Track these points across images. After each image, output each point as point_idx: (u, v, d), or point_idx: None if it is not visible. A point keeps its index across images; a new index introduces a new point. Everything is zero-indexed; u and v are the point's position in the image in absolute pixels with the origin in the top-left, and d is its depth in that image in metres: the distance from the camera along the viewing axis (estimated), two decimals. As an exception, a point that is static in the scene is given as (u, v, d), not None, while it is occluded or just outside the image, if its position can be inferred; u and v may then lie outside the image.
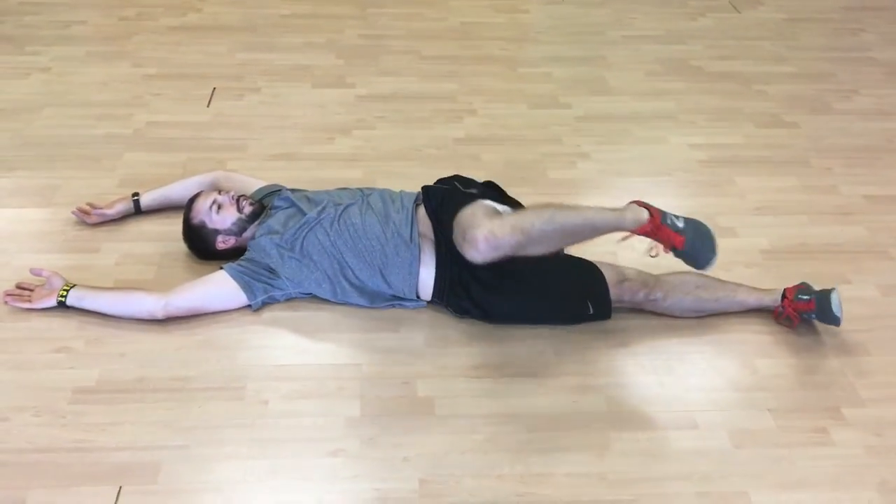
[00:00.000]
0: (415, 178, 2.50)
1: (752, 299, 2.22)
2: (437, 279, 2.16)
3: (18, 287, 2.19)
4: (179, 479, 1.74)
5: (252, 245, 2.25)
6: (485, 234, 1.83)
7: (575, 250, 2.18)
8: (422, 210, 2.22)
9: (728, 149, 3.07)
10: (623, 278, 2.16)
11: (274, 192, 2.43)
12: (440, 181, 2.33)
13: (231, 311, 2.17)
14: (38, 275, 2.19)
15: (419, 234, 2.18)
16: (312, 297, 2.22)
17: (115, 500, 1.69)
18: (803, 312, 2.15)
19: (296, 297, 2.21)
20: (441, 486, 1.75)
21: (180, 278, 2.23)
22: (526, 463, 1.81)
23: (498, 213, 1.96)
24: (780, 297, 2.19)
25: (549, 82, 3.54)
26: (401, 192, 2.33)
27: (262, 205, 2.36)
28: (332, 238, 2.17)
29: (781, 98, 3.46)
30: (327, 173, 2.78)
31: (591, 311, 2.15)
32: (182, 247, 2.36)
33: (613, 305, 2.16)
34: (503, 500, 1.73)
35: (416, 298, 2.19)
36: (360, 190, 2.35)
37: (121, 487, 1.72)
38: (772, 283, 2.29)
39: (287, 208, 2.29)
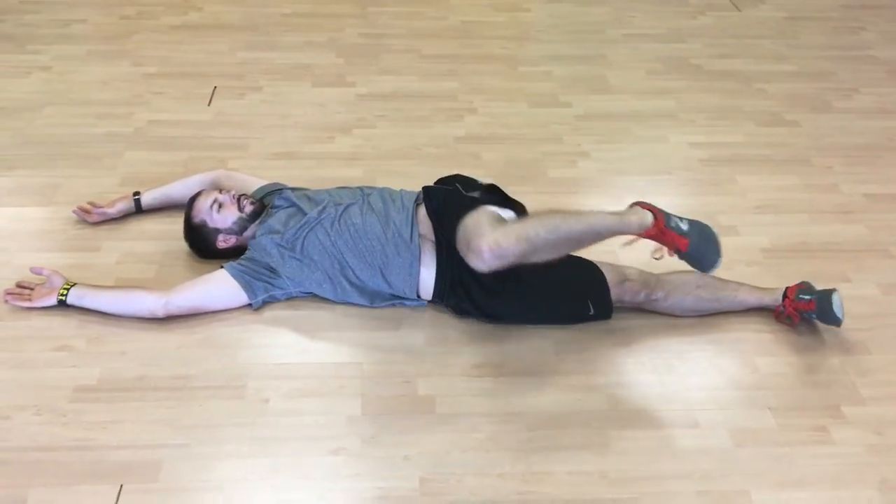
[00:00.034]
0: (415, 177, 2.50)
1: (752, 299, 2.22)
2: (438, 279, 2.16)
3: (19, 286, 2.20)
4: (180, 478, 1.74)
5: (253, 244, 2.25)
6: (489, 244, 1.83)
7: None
8: (422, 210, 2.22)
9: (728, 147, 3.07)
10: (624, 279, 2.16)
11: (275, 190, 2.43)
12: (441, 181, 2.33)
13: (232, 309, 2.17)
14: (39, 273, 2.19)
15: (419, 235, 2.18)
16: (313, 296, 2.22)
17: (117, 499, 1.69)
18: (804, 312, 2.15)
19: (296, 296, 2.21)
20: (442, 484, 1.75)
21: (181, 277, 2.23)
22: (527, 461, 1.81)
23: (502, 220, 1.96)
24: (781, 297, 2.19)
25: (550, 81, 3.54)
26: (401, 191, 2.33)
27: (262, 204, 2.36)
28: (332, 238, 2.17)
29: (782, 96, 3.46)
30: (328, 172, 2.78)
31: (592, 312, 2.16)
32: (183, 246, 2.36)
33: (614, 305, 2.16)
34: (504, 499, 1.73)
35: (416, 298, 2.19)
36: (360, 189, 2.34)
37: (122, 486, 1.72)
38: (772, 281, 2.29)
39: (287, 207, 2.29)
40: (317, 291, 2.20)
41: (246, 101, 3.28)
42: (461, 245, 1.92)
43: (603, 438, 1.87)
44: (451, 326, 2.17)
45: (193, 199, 2.33)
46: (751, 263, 2.43)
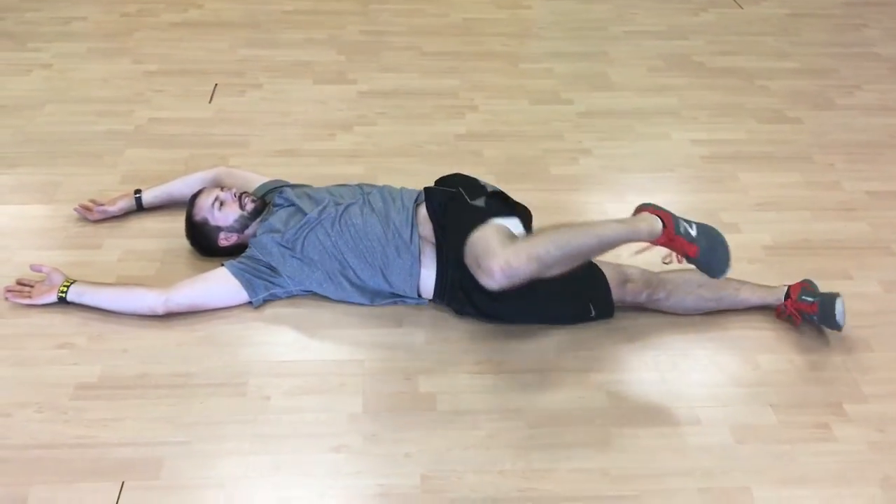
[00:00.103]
0: (416, 175, 2.50)
1: (755, 297, 2.21)
2: (438, 280, 2.15)
3: (19, 283, 2.20)
4: (181, 475, 1.74)
5: (253, 242, 2.24)
6: (501, 265, 1.82)
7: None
8: (423, 210, 2.21)
9: (730, 144, 3.07)
10: (626, 279, 2.15)
11: (276, 188, 2.43)
12: (442, 182, 2.31)
13: (232, 307, 2.17)
14: (39, 271, 2.19)
15: (420, 237, 2.17)
16: (314, 294, 2.22)
17: (118, 496, 1.69)
18: (805, 314, 2.14)
19: (297, 294, 2.21)
20: (443, 481, 1.75)
21: (182, 275, 2.23)
22: (528, 458, 1.81)
23: (511, 236, 1.94)
24: (783, 296, 2.18)
25: (551, 78, 3.54)
26: (401, 189, 2.32)
27: (264, 201, 2.36)
28: (332, 238, 2.17)
29: (784, 94, 3.45)
30: (329, 169, 2.78)
31: (594, 314, 2.15)
32: (184, 243, 2.36)
33: (615, 305, 2.16)
34: (505, 496, 1.73)
35: (417, 297, 2.19)
36: (360, 187, 2.34)
37: (123, 483, 1.72)
38: (774, 279, 2.28)
39: (288, 206, 2.28)
40: (317, 290, 2.20)
41: (247, 98, 3.28)
42: (471, 262, 1.91)
43: (604, 435, 1.87)
44: (451, 324, 2.17)
45: (195, 196, 2.32)
46: (753, 261, 2.43)
